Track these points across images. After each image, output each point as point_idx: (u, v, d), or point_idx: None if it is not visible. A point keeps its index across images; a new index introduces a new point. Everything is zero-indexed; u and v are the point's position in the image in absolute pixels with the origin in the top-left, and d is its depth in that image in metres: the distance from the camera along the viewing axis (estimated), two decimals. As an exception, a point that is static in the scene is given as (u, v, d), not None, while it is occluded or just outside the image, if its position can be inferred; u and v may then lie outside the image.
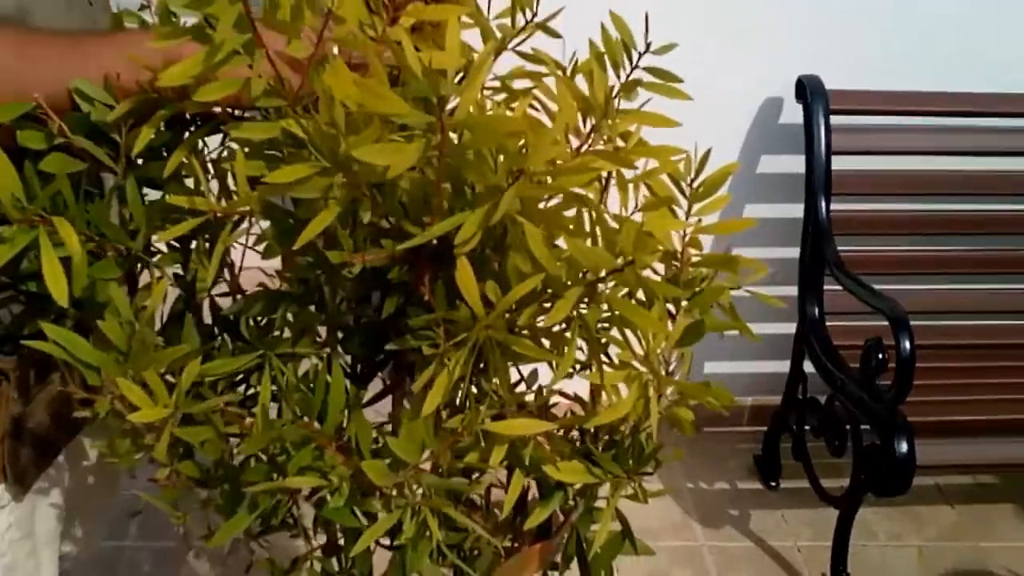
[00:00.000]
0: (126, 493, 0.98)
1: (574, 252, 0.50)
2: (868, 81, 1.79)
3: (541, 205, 0.53)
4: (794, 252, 1.81)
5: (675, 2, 1.72)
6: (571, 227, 0.52)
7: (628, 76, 0.61)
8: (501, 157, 0.47)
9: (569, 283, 0.52)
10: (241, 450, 0.59)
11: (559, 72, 0.63)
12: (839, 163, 1.75)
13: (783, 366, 1.88)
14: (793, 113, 1.82)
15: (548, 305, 0.56)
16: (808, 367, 1.78)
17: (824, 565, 1.68)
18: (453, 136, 0.49)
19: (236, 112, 0.58)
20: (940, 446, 1.53)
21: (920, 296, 1.79)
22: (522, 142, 0.47)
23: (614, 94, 0.60)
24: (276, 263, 0.66)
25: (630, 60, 0.61)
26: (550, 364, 0.56)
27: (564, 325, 0.55)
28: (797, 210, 1.80)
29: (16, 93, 0.56)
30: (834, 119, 1.74)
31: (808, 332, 1.75)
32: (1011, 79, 1.82)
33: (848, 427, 1.58)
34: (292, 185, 0.49)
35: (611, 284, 0.52)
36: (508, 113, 0.56)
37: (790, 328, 1.84)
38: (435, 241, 0.51)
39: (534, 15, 0.61)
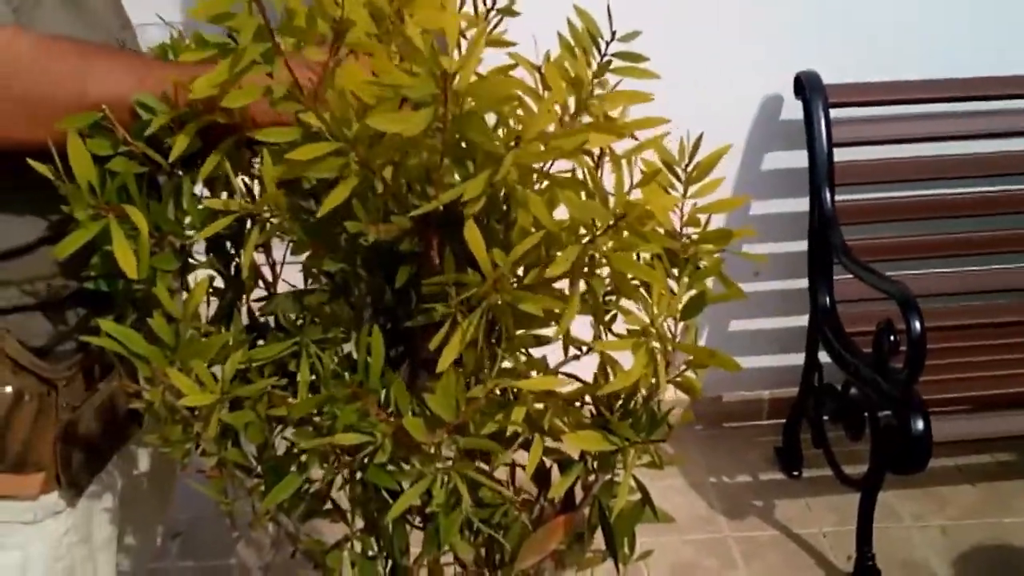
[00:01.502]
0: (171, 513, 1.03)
1: (570, 206, 0.55)
2: (864, 72, 1.84)
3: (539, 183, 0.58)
4: (802, 245, 1.84)
5: (671, 7, 1.78)
6: (568, 186, 0.57)
7: (599, 62, 0.66)
8: (500, 131, 0.52)
9: (565, 239, 0.57)
10: (291, 413, 0.64)
11: (535, 71, 0.68)
12: (841, 155, 1.80)
13: (798, 358, 1.91)
14: (793, 109, 1.87)
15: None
16: (823, 356, 1.82)
17: (850, 549, 1.70)
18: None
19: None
20: (955, 422, 1.55)
21: (928, 279, 1.82)
22: (520, 112, 0.52)
23: (582, 79, 0.65)
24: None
25: (598, 49, 0.66)
26: (557, 322, 0.61)
27: (568, 287, 0.59)
28: (803, 203, 1.84)
29: (81, 100, 0.62)
30: (833, 112, 1.78)
31: (821, 321, 1.78)
32: (1004, 61, 1.85)
33: (865, 411, 1.61)
34: (310, 164, 0.54)
35: (610, 243, 0.57)
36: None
37: (802, 320, 1.88)
38: (442, 209, 0.56)
39: (494, 2, 0.66)
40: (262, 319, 0.76)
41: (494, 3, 0.66)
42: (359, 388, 0.61)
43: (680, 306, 0.65)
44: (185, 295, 0.67)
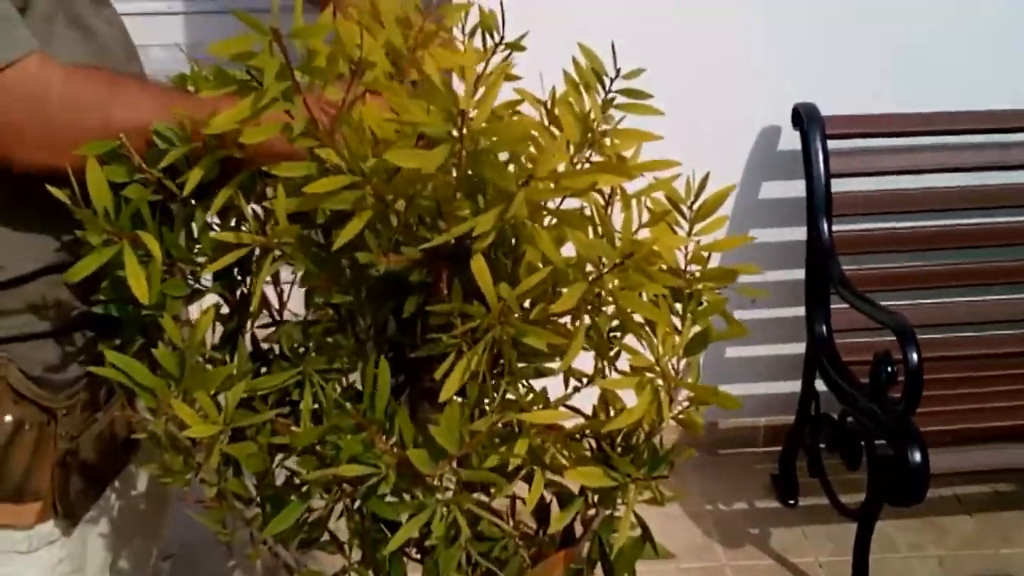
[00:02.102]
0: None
1: (577, 244, 0.55)
2: (862, 104, 1.86)
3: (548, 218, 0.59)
4: (799, 274, 1.86)
5: (668, 39, 1.80)
6: (576, 223, 0.57)
7: (603, 99, 0.67)
8: (511, 167, 0.52)
9: (572, 276, 0.57)
10: (294, 442, 0.64)
11: (541, 106, 0.69)
12: (838, 185, 1.81)
13: (794, 386, 1.92)
14: (791, 139, 1.89)
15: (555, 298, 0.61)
16: (820, 385, 1.82)
17: (846, 579, 1.70)
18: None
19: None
20: (952, 454, 1.56)
21: (924, 309, 1.83)
22: (532, 148, 0.52)
23: (591, 116, 0.66)
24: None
25: (603, 86, 0.67)
26: (574, 377, 0.61)
27: (572, 322, 0.60)
28: (800, 232, 1.85)
29: (106, 128, 0.63)
30: (831, 143, 1.80)
31: (817, 350, 1.79)
32: (1001, 94, 1.88)
33: (862, 441, 1.61)
34: (325, 197, 0.55)
35: (615, 281, 0.57)
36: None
37: (799, 348, 1.89)
38: (452, 242, 0.57)
39: (502, 37, 0.67)
40: (266, 347, 0.77)
41: (502, 38, 0.67)
42: (364, 418, 0.61)
43: (684, 344, 0.66)
44: (194, 318, 0.67)
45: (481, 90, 0.53)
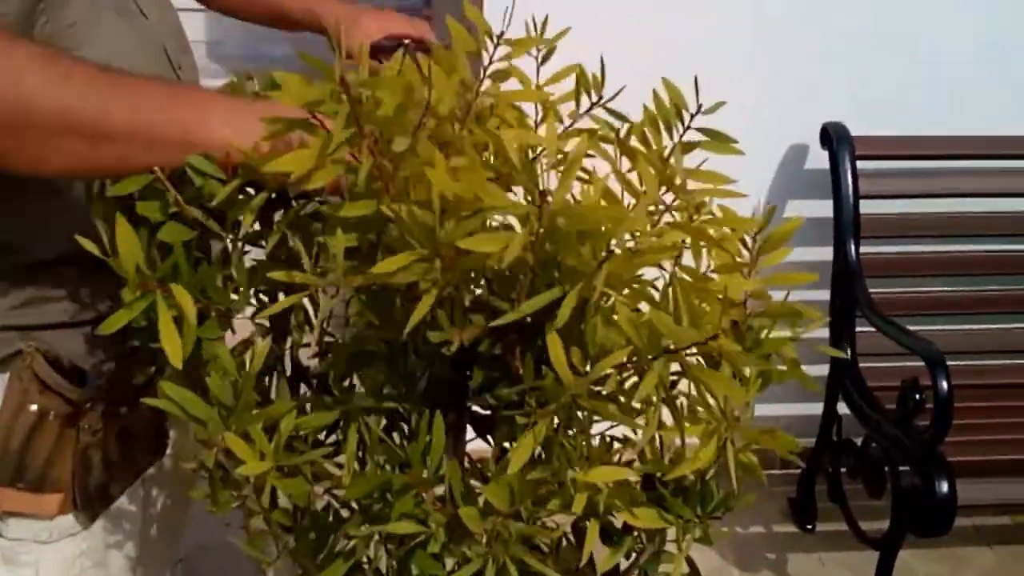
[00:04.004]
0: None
1: (662, 328, 0.53)
2: (891, 125, 1.84)
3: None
4: (823, 295, 1.83)
5: (697, 56, 1.78)
6: (654, 298, 0.55)
7: (681, 137, 0.65)
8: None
9: (648, 352, 0.55)
10: (345, 496, 0.63)
11: (618, 138, 0.67)
12: (866, 207, 1.79)
13: (814, 408, 1.90)
14: (818, 159, 1.87)
15: (628, 372, 0.59)
16: (842, 408, 1.80)
17: (865, 608, 1.68)
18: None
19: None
20: (977, 485, 1.54)
21: (952, 335, 1.81)
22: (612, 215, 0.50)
23: (669, 155, 0.64)
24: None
25: (682, 123, 0.65)
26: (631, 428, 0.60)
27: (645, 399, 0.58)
28: (825, 253, 1.83)
29: (185, 140, 0.61)
30: (860, 164, 1.78)
31: (842, 374, 1.77)
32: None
33: (886, 468, 1.59)
34: (394, 273, 0.53)
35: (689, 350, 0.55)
36: (597, 198, 0.59)
37: (821, 370, 1.86)
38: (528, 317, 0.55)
39: (600, 97, 0.65)
40: (309, 370, 0.75)
41: (600, 98, 0.65)
42: (415, 478, 0.59)
43: (750, 391, 0.64)
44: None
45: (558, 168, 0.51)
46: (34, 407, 0.72)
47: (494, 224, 0.56)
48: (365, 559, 0.68)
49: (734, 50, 1.82)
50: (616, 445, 0.71)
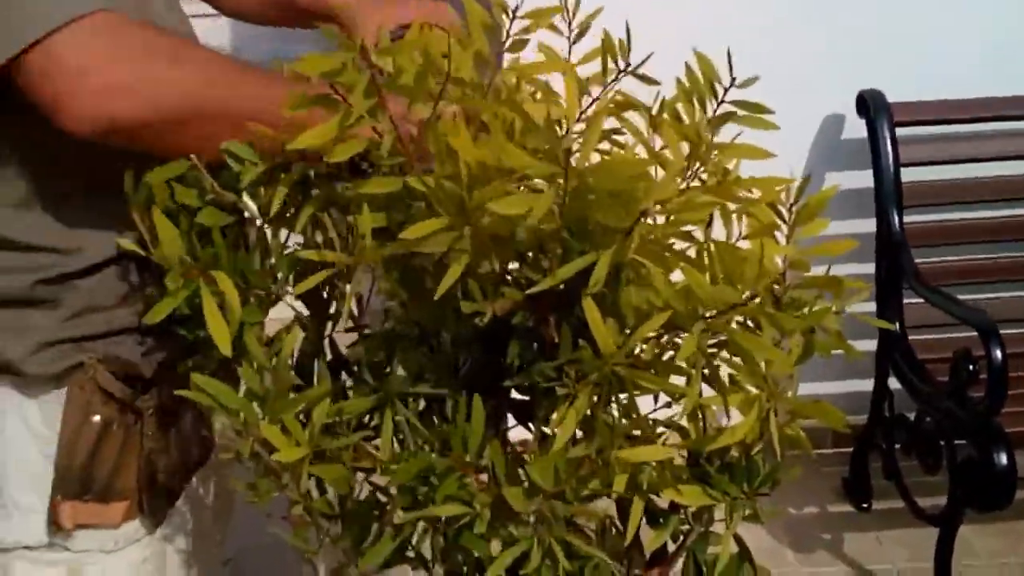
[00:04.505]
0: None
1: (698, 290, 0.52)
2: (927, 91, 1.78)
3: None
4: (867, 268, 1.79)
5: (731, 27, 1.74)
6: (689, 261, 0.54)
7: (715, 111, 0.64)
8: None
9: (686, 317, 0.54)
10: (390, 481, 0.62)
11: (647, 113, 0.66)
12: (907, 175, 1.74)
13: (863, 384, 1.85)
14: (855, 128, 1.82)
15: (665, 338, 0.58)
16: (892, 383, 1.76)
17: (925, 587, 1.64)
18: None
19: (358, 166, 0.63)
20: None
21: (1004, 304, 1.76)
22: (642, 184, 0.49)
23: (700, 134, 0.63)
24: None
25: (715, 96, 0.63)
26: (670, 396, 0.58)
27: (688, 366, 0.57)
28: (867, 225, 1.79)
29: (223, 109, 0.62)
30: (899, 131, 1.73)
31: (891, 348, 1.72)
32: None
33: (941, 442, 1.55)
34: (421, 241, 0.53)
35: (728, 315, 0.54)
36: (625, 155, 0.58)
37: (869, 344, 1.82)
38: (560, 284, 0.54)
39: (627, 64, 0.63)
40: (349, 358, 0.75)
41: (627, 65, 0.64)
42: (458, 461, 0.58)
43: (792, 359, 0.62)
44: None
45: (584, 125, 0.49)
46: (97, 418, 0.72)
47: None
48: (413, 542, 0.67)
49: (765, 20, 1.78)
50: (660, 430, 0.70)
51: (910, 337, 1.71)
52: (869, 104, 1.75)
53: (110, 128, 0.60)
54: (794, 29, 1.80)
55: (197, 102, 0.62)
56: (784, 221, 0.67)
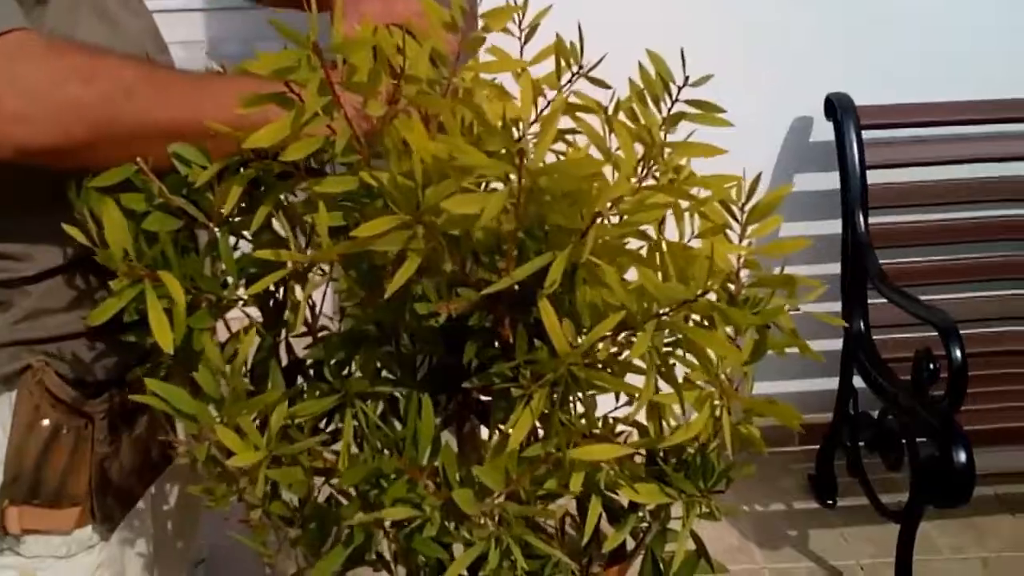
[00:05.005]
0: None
1: (650, 287, 0.52)
2: (894, 94, 1.81)
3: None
4: (834, 268, 1.81)
5: (699, 29, 1.76)
6: (642, 261, 0.55)
7: (670, 110, 0.64)
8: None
9: (640, 315, 0.55)
10: (340, 483, 0.62)
11: (603, 113, 0.66)
12: (873, 177, 1.77)
13: (829, 383, 1.87)
14: (823, 131, 1.84)
15: (620, 337, 0.58)
16: (857, 382, 1.78)
17: (888, 582, 1.66)
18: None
19: (313, 166, 0.62)
20: (998, 454, 1.51)
21: (965, 304, 1.79)
22: (596, 184, 0.50)
23: (660, 129, 0.63)
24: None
25: (670, 95, 0.64)
26: (628, 395, 0.59)
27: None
28: (834, 226, 1.81)
29: (146, 120, 0.61)
30: (866, 134, 1.76)
31: (856, 347, 1.75)
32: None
33: (903, 440, 1.57)
34: (374, 239, 0.53)
35: (681, 312, 0.55)
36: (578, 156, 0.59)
37: (834, 344, 1.84)
38: (516, 285, 0.54)
39: (580, 67, 0.64)
40: (305, 360, 0.74)
41: (580, 67, 0.64)
42: (409, 464, 0.58)
43: (744, 356, 0.63)
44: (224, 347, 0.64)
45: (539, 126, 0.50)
46: (47, 422, 0.71)
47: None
48: (369, 546, 0.67)
49: (734, 22, 1.79)
50: (619, 428, 0.70)
51: (875, 337, 1.74)
52: (836, 107, 1.77)
53: (19, 155, 0.59)
54: (765, 32, 1.81)
55: (112, 117, 0.60)
56: (737, 220, 0.68)
